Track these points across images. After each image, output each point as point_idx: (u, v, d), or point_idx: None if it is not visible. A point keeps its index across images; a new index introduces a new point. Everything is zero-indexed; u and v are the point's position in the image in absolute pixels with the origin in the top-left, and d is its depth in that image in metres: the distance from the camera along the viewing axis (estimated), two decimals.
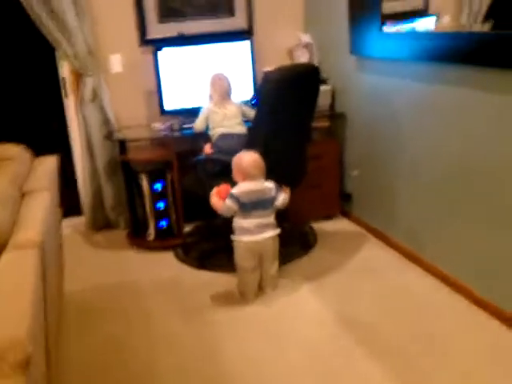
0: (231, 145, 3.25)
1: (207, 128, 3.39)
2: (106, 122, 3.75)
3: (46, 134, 4.79)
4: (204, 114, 3.40)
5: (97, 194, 3.91)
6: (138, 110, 3.88)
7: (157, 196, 3.52)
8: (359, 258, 3.29)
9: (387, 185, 3.35)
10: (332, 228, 3.75)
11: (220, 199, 2.76)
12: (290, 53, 4.12)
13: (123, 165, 3.60)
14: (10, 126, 4.78)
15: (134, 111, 3.86)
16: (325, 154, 3.73)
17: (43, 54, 3.96)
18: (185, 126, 3.57)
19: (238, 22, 3.96)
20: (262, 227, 2.76)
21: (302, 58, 3.99)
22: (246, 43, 3.83)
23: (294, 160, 3.22)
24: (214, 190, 2.80)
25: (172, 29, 3.81)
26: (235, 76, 3.61)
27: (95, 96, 3.70)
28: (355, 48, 3.40)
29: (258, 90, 3.10)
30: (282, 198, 2.81)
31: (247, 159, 2.74)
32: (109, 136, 3.64)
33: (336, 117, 3.77)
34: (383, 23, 3.08)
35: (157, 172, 3.51)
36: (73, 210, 4.09)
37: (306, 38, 3.96)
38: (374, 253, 3.35)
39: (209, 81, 3.43)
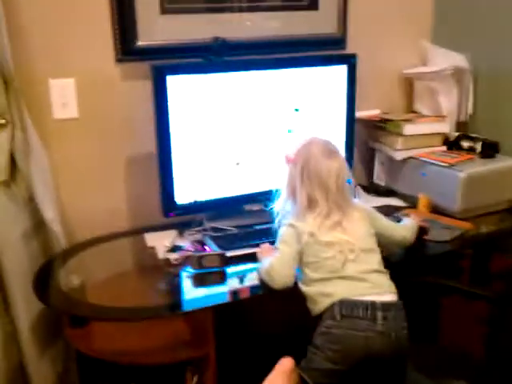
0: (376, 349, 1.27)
1: (298, 276, 1.38)
2: (36, 229, 1.66)
3: None
4: (292, 243, 1.38)
5: (16, 381, 1.79)
6: (113, 200, 1.79)
7: None
8: None
9: None
10: None
11: None
12: (407, 83, 2.15)
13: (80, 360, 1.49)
14: None
15: (104, 203, 1.77)
16: None
17: None
18: (232, 252, 1.52)
19: (322, 22, 1.95)
20: None
21: (444, 98, 2.02)
22: (341, 67, 1.83)
23: None
24: None
25: (193, 27, 1.74)
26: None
27: (16, 171, 1.61)
28: None
29: None
30: None
31: None
32: (39, 281, 1.51)
33: None
34: None
35: (167, 378, 1.44)
36: None
37: (452, 60, 1.99)
38: None
39: (289, 159, 1.44)
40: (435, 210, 1.83)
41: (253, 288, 1.40)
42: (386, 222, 1.50)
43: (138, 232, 1.74)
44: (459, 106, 2.01)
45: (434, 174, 1.85)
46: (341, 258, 1.34)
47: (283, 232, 1.40)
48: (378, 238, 1.44)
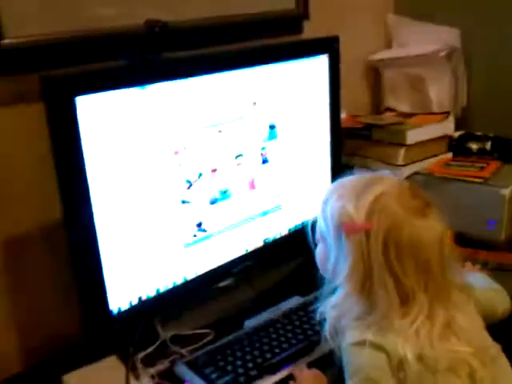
0: None
1: None
2: None
3: None
4: (385, 380, 0.75)
5: None
6: None
7: None
8: None
9: None
10: None
11: None
12: (372, 73, 1.63)
13: None
14: None
15: None
16: None
17: None
18: None
19: None
20: None
21: (434, 87, 1.52)
22: (321, 59, 1.24)
23: None
24: None
25: (100, 6, 1.01)
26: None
27: None
28: None
29: None
30: None
31: None
32: None
33: None
34: None
35: None
36: None
37: (445, 37, 1.50)
38: None
39: (357, 226, 0.80)
40: (463, 241, 1.33)
41: None
42: (482, 293, 0.95)
43: (51, 373, 0.98)
44: (453, 98, 1.53)
45: (459, 193, 1.35)
46: None
47: (363, 360, 0.77)
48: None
